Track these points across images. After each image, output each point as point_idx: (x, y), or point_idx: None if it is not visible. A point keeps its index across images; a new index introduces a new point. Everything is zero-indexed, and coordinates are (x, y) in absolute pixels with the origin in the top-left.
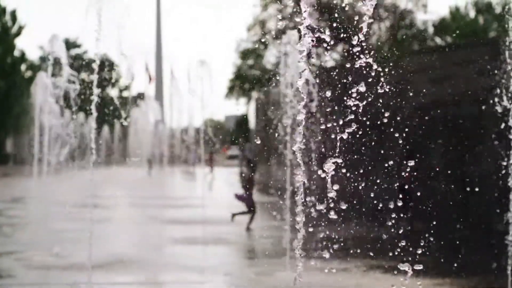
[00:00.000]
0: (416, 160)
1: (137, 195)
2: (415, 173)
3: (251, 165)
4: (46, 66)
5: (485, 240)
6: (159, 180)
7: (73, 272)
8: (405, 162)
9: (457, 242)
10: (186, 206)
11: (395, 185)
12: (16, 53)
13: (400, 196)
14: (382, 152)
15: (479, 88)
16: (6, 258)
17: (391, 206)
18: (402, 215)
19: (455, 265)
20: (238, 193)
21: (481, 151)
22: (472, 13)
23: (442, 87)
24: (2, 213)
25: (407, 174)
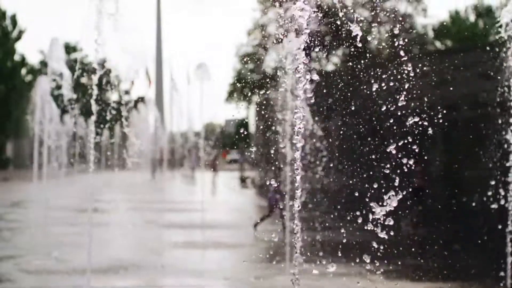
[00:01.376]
0: (424, 164)
1: (140, 199)
2: (425, 177)
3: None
4: (46, 70)
5: (485, 243)
6: (162, 184)
7: (73, 276)
8: (414, 166)
9: (458, 246)
10: (191, 210)
11: (409, 189)
12: (17, 57)
13: (414, 200)
14: (385, 156)
15: (479, 91)
16: (5, 263)
17: (402, 209)
18: (413, 219)
19: (456, 268)
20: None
21: (481, 154)
22: (472, 17)
23: (442, 91)
24: (1, 217)
25: (418, 178)
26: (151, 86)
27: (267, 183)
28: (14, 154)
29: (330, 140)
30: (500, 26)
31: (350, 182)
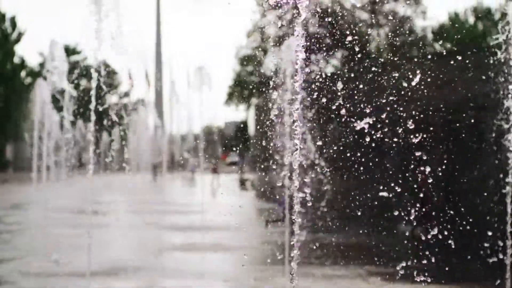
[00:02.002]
0: (426, 166)
1: (141, 200)
2: (429, 179)
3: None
4: (45, 72)
5: (486, 246)
6: (163, 186)
7: (73, 278)
8: (417, 168)
9: (459, 249)
10: (193, 212)
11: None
12: (16, 59)
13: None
14: (389, 158)
15: (478, 94)
16: (5, 265)
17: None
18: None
19: (457, 271)
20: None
21: (480, 157)
22: (471, 19)
23: (441, 93)
24: (1, 219)
25: (422, 180)
26: (150, 88)
27: (279, 185)
28: (13, 156)
29: (329, 144)
30: (500, 47)
31: (352, 186)
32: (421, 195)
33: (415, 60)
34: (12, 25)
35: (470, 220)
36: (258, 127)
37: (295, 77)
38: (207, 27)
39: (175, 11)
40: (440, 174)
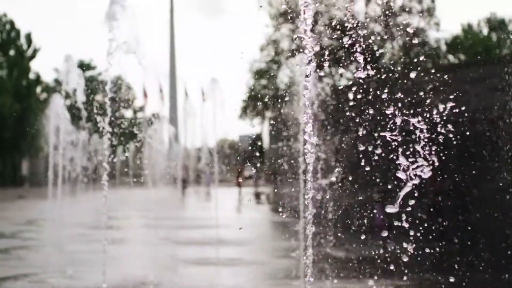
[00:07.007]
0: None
1: (158, 216)
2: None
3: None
4: (60, 88)
5: (500, 257)
6: (185, 200)
7: None
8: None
9: (472, 260)
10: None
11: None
12: (31, 75)
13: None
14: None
15: (493, 105)
16: (20, 281)
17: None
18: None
19: (469, 282)
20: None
21: (495, 169)
22: (485, 31)
23: (455, 105)
24: (17, 235)
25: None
26: (164, 102)
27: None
28: (29, 172)
29: (344, 153)
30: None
31: (364, 194)
32: (436, 206)
33: (430, 71)
34: (27, 41)
35: (485, 231)
36: (272, 140)
37: (307, 89)
38: (221, 45)
39: (186, 26)
40: (456, 184)
